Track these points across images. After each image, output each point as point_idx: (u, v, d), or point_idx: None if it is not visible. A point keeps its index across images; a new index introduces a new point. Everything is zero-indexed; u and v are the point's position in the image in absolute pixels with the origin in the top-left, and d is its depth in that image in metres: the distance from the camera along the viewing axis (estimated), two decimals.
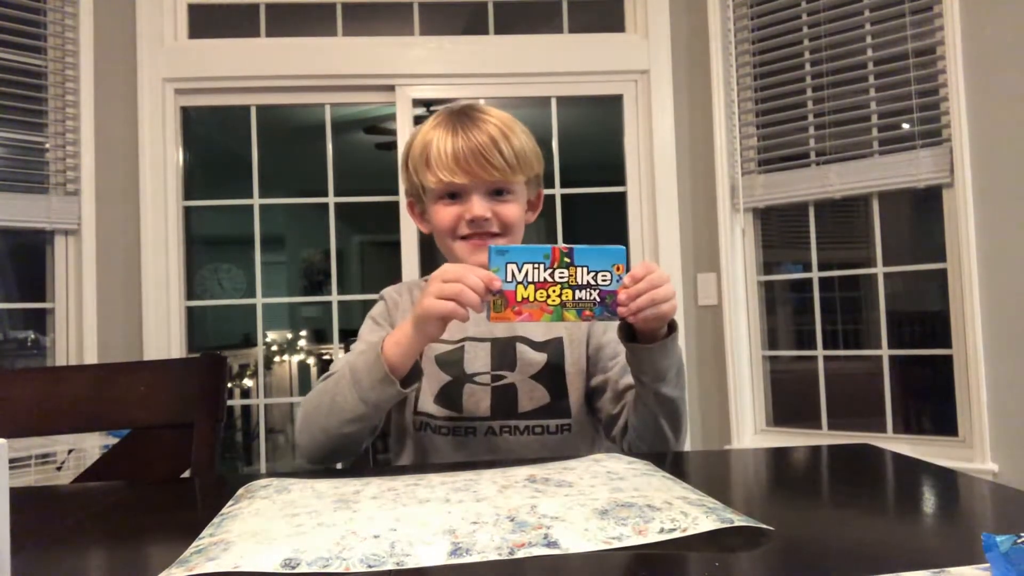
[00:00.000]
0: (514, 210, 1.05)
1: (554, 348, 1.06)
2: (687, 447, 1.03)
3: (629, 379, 1.00)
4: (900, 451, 0.91)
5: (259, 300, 2.63)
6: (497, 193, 1.03)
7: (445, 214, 1.03)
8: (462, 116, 1.04)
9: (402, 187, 1.15)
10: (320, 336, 5.81)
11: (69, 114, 2.39)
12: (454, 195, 1.03)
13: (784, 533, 0.56)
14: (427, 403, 1.04)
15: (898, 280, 2.37)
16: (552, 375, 1.04)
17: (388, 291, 1.16)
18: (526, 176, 1.06)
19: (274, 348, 5.53)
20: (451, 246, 1.05)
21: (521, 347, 1.05)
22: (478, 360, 1.05)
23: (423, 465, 1.01)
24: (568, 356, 1.06)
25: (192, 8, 2.59)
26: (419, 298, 0.87)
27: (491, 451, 1.01)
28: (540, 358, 1.05)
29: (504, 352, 1.05)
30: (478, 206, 1.01)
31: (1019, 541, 0.41)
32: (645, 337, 0.90)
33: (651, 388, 0.92)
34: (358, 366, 0.90)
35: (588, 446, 1.05)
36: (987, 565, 0.44)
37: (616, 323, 1.07)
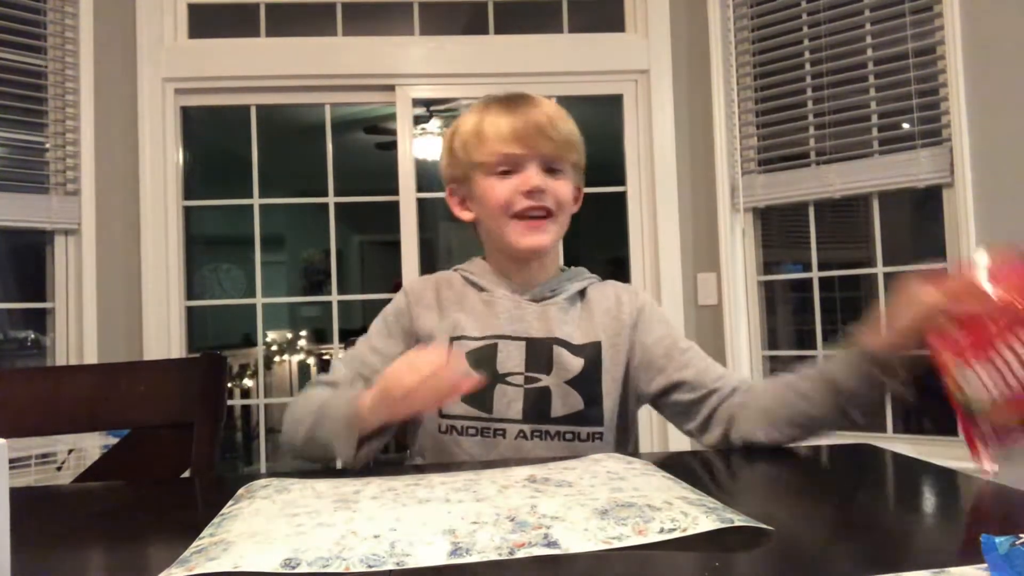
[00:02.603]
0: (566, 188, 1.05)
1: (591, 353, 1.02)
2: (687, 447, 1.03)
3: (716, 373, 1.02)
4: (900, 451, 0.91)
5: (259, 300, 2.63)
6: (549, 171, 1.03)
7: (501, 188, 1.02)
8: (516, 98, 1.05)
9: (443, 174, 1.12)
10: (320, 336, 5.80)
11: (69, 114, 2.39)
12: (507, 172, 1.02)
13: (784, 533, 0.56)
14: (454, 404, 0.99)
15: (898, 280, 2.37)
16: (588, 381, 1.01)
17: (410, 284, 1.11)
18: (574, 158, 1.07)
19: (274, 348, 5.53)
20: (504, 225, 1.03)
21: (558, 350, 1.01)
22: (511, 360, 1.01)
23: (423, 465, 1.01)
24: (605, 362, 1.03)
25: (192, 8, 2.58)
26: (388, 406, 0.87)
27: (519, 455, 0.97)
28: (577, 363, 1.01)
29: (540, 353, 1.01)
30: (536, 176, 1.01)
31: (1018, 542, 0.41)
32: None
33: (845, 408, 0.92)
34: (337, 420, 0.90)
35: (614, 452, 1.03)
36: (987, 565, 0.44)
37: (657, 323, 1.07)
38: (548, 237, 1.04)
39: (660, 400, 1.05)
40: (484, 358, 1.01)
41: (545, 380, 1.00)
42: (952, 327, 0.71)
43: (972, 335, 0.68)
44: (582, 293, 1.09)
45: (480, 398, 0.98)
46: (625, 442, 1.06)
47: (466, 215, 1.10)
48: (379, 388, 0.87)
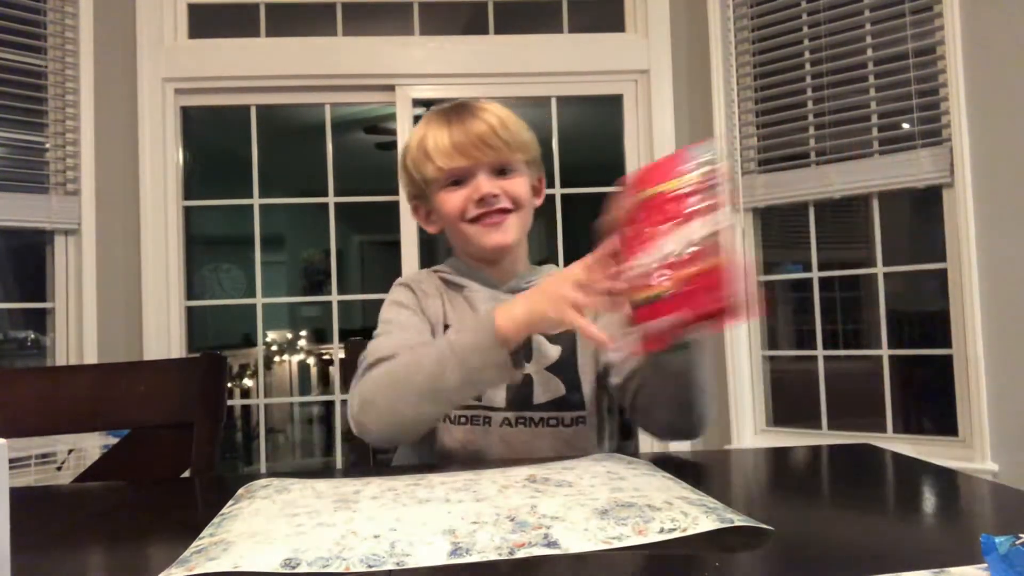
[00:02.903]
0: (521, 185, 1.05)
1: (568, 339, 1.05)
2: (687, 447, 1.03)
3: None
4: (900, 451, 0.91)
5: (259, 300, 2.63)
6: (501, 172, 1.04)
7: (453, 200, 1.03)
8: (457, 109, 1.06)
9: (403, 192, 1.15)
10: (320, 336, 5.80)
11: (69, 114, 2.39)
12: (458, 181, 1.03)
13: (784, 533, 0.56)
14: None
15: (898, 280, 2.37)
16: (566, 367, 1.04)
17: (409, 278, 1.13)
18: (525, 156, 1.07)
19: (274, 348, 5.53)
20: (463, 230, 1.04)
21: (536, 338, 1.04)
22: None
23: (423, 466, 1.01)
24: (580, 346, 1.05)
25: (192, 8, 2.59)
26: (557, 280, 0.83)
27: (505, 442, 1.00)
28: (555, 350, 1.04)
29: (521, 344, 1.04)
30: (485, 184, 1.02)
31: (1018, 542, 0.41)
32: None
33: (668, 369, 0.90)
34: (465, 344, 0.86)
35: (601, 439, 1.04)
36: (987, 565, 0.44)
37: None
38: (511, 233, 1.05)
39: (605, 378, 1.05)
40: None
41: (526, 368, 1.02)
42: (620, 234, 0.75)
43: (631, 234, 0.73)
44: None
45: None
46: (605, 425, 1.07)
47: (432, 228, 1.12)
48: (530, 290, 0.86)
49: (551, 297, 0.83)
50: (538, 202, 1.12)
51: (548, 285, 0.85)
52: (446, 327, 1.04)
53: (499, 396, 1.01)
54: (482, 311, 1.03)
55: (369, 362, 0.96)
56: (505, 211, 1.03)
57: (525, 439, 1.00)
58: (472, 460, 0.97)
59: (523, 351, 0.89)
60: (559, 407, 1.01)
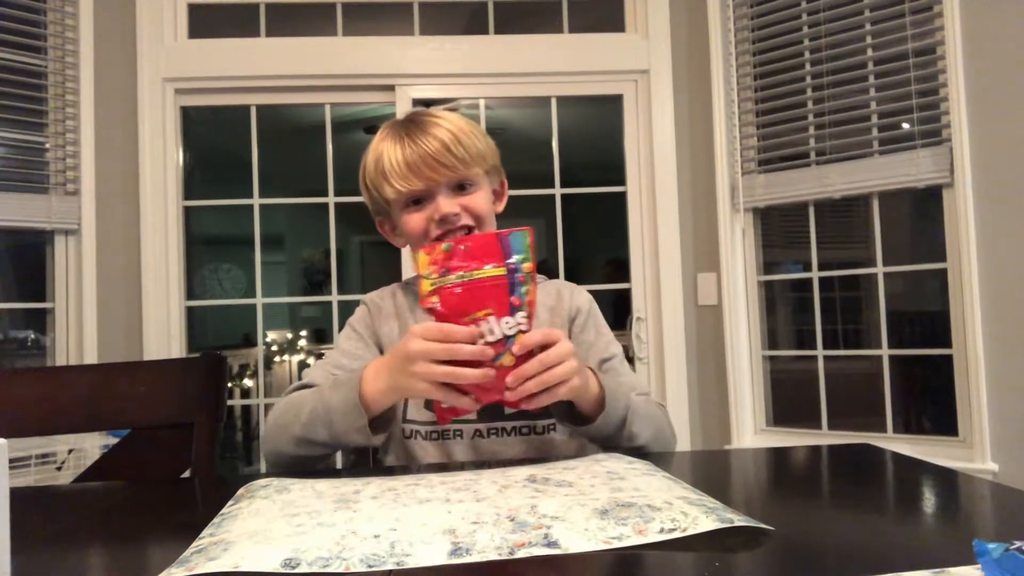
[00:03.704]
0: (482, 199, 1.05)
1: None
2: (687, 447, 1.03)
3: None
4: (900, 451, 0.91)
5: (259, 300, 2.63)
6: (460, 188, 1.03)
7: (415, 221, 1.03)
8: (409, 124, 1.04)
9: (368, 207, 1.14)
10: (320, 336, 5.80)
11: (69, 114, 2.39)
12: (418, 200, 1.03)
13: (784, 533, 0.56)
14: (415, 410, 1.02)
15: (898, 280, 2.37)
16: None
17: (371, 296, 1.13)
18: (482, 168, 1.05)
19: (274, 348, 5.53)
20: None
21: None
22: None
23: (422, 466, 1.01)
24: None
25: (192, 8, 2.59)
26: (404, 356, 0.79)
27: (478, 454, 1.00)
28: None
29: None
30: (445, 204, 1.01)
31: (1011, 548, 0.41)
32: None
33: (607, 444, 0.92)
34: (333, 405, 0.86)
35: (574, 444, 1.03)
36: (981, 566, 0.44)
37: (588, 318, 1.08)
38: None
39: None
40: None
41: None
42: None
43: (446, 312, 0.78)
44: None
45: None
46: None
47: (398, 242, 1.12)
48: (391, 356, 0.84)
49: (407, 372, 0.80)
50: (499, 208, 1.12)
51: (400, 356, 0.81)
52: None
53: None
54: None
55: (291, 387, 1.00)
56: (467, 228, 1.03)
57: (497, 449, 1.00)
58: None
59: (389, 415, 0.89)
60: (530, 415, 1.00)
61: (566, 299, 1.10)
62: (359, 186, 1.12)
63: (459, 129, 1.03)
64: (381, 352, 1.07)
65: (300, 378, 1.03)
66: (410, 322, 1.07)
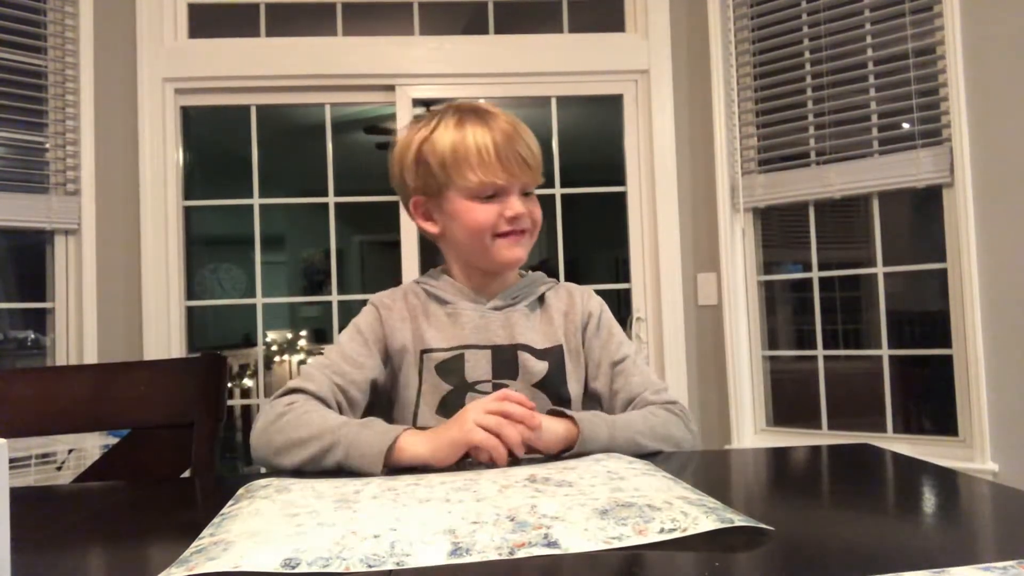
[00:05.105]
0: (538, 208, 1.09)
1: (555, 356, 1.05)
2: (687, 447, 1.03)
3: (625, 396, 1.03)
4: (900, 451, 0.91)
5: (259, 300, 2.63)
6: (524, 193, 1.06)
7: (484, 213, 1.03)
8: (484, 115, 1.05)
9: (403, 185, 1.12)
10: (320, 336, 5.81)
11: (69, 114, 2.39)
12: (489, 195, 1.04)
13: (784, 533, 0.56)
14: (428, 416, 1.01)
15: (898, 280, 2.37)
16: (553, 384, 1.04)
17: (379, 297, 1.10)
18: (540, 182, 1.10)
19: (274, 348, 5.53)
20: (488, 244, 1.04)
21: (523, 355, 1.04)
22: (479, 368, 1.03)
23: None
24: (568, 364, 1.06)
25: (192, 8, 2.58)
26: (457, 426, 0.84)
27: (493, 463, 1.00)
28: (541, 367, 1.04)
29: (505, 360, 1.04)
30: (518, 204, 1.03)
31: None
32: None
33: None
34: (359, 446, 0.85)
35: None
36: (987, 565, 0.44)
37: (605, 329, 1.11)
38: (525, 252, 1.07)
39: (588, 406, 1.08)
40: (452, 368, 1.03)
41: (512, 385, 1.02)
42: None
43: None
44: (541, 298, 1.12)
45: (452, 408, 0.97)
46: None
47: (433, 227, 1.09)
48: (445, 436, 0.84)
49: (461, 427, 0.83)
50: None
51: (462, 420, 0.85)
52: (424, 352, 1.03)
53: None
54: (466, 326, 1.04)
55: (289, 387, 0.97)
56: (525, 231, 1.06)
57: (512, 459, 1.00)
58: None
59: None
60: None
61: (578, 303, 1.11)
62: (397, 165, 1.11)
63: (526, 132, 1.07)
64: (386, 361, 1.05)
65: (296, 377, 1.01)
66: (424, 327, 1.05)
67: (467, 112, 1.06)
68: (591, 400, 1.08)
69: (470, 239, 1.05)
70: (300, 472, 0.88)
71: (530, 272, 1.15)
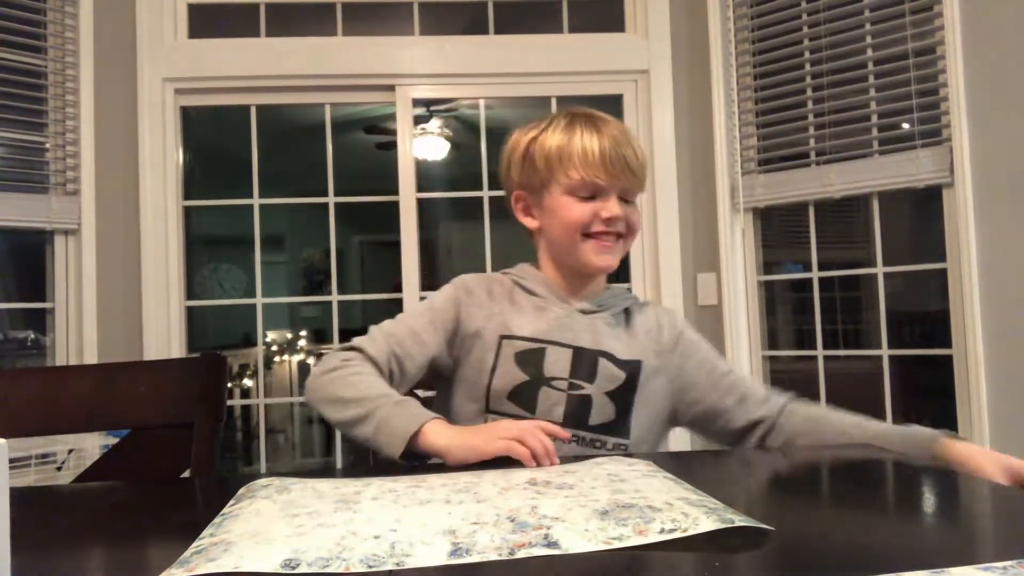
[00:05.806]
0: (637, 214, 1.11)
1: (632, 370, 1.06)
2: (687, 447, 1.03)
3: (758, 396, 1.08)
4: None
5: (259, 300, 2.63)
6: (623, 199, 1.08)
7: (580, 210, 1.06)
8: (595, 120, 1.08)
9: (507, 179, 1.15)
10: (320, 336, 5.80)
11: (69, 114, 2.39)
12: (590, 196, 1.06)
13: (784, 533, 0.56)
14: (501, 401, 1.03)
15: (898, 280, 2.37)
16: (624, 396, 1.05)
17: (463, 280, 1.12)
18: (642, 192, 1.13)
19: (274, 348, 5.53)
20: (579, 243, 1.07)
21: (604, 362, 1.05)
22: (558, 365, 1.04)
23: (423, 467, 1.01)
24: (643, 381, 1.06)
25: (192, 8, 2.58)
26: (482, 436, 0.85)
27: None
28: (620, 375, 1.05)
29: (585, 363, 1.05)
30: (616, 206, 1.06)
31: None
32: None
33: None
34: (391, 421, 0.88)
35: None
36: (987, 564, 0.44)
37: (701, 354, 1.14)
38: (617, 258, 1.09)
39: (703, 424, 1.10)
40: (532, 360, 1.04)
41: (588, 388, 1.03)
42: None
43: None
44: (626, 311, 1.13)
45: (526, 398, 1.02)
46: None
47: (531, 222, 1.13)
48: (467, 439, 0.85)
49: (486, 436, 0.84)
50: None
51: (493, 428, 0.87)
52: (504, 337, 1.05)
53: (556, 412, 1.02)
54: (552, 321, 1.06)
55: (352, 343, 1.01)
56: (619, 236, 1.08)
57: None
58: None
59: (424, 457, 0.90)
60: (607, 431, 1.03)
61: (665, 324, 1.14)
62: (506, 161, 1.14)
63: (635, 142, 1.09)
64: (452, 341, 1.07)
65: (367, 333, 1.04)
66: (509, 314, 1.07)
67: (579, 116, 1.10)
68: (664, 419, 1.10)
69: (562, 235, 1.08)
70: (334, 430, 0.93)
71: (614, 285, 1.18)
